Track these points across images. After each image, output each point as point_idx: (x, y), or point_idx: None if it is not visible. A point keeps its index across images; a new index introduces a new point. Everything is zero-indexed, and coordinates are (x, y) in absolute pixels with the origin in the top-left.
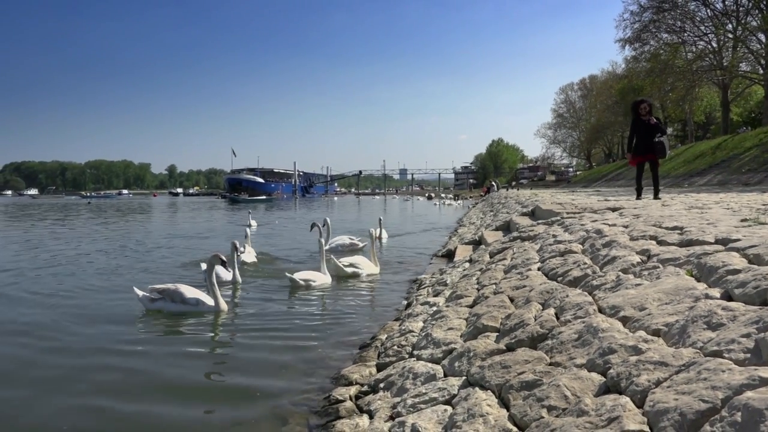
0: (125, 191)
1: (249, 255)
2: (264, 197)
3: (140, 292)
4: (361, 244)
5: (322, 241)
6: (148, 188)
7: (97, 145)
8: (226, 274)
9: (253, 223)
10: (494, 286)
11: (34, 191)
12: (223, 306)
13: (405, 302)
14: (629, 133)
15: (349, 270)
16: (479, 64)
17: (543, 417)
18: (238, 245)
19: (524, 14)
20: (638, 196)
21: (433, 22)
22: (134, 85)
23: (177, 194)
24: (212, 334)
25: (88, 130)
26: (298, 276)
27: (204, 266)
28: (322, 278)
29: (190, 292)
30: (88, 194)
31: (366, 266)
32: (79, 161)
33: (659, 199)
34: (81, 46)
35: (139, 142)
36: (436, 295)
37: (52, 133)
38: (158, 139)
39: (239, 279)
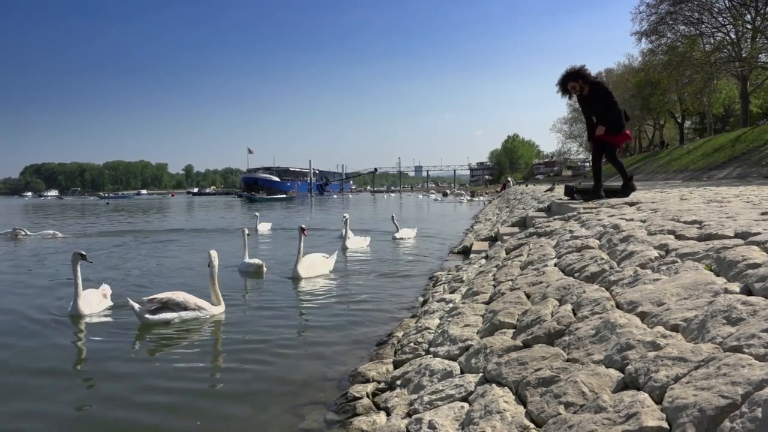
0: (143, 191)
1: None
2: (281, 196)
3: (136, 305)
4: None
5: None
6: (165, 188)
7: (115, 145)
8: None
9: (262, 227)
10: (510, 283)
11: (54, 192)
12: (221, 307)
13: (421, 299)
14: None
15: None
16: (494, 59)
17: (560, 413)
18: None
19: (538, 8)
20: (595, 193)
21: (447, 18)
22: (150, 86)
23: (196, 194)
24: (222, 334)
25: (105, 131)
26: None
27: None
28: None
29: (189, 297)
30: (106, 195)
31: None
32: (98, 162)
33: (627, 194)
34: (96, 47)
35: (156, 142)
36: (452, 292)
37: (70, 134)
38: (174, 139)
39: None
